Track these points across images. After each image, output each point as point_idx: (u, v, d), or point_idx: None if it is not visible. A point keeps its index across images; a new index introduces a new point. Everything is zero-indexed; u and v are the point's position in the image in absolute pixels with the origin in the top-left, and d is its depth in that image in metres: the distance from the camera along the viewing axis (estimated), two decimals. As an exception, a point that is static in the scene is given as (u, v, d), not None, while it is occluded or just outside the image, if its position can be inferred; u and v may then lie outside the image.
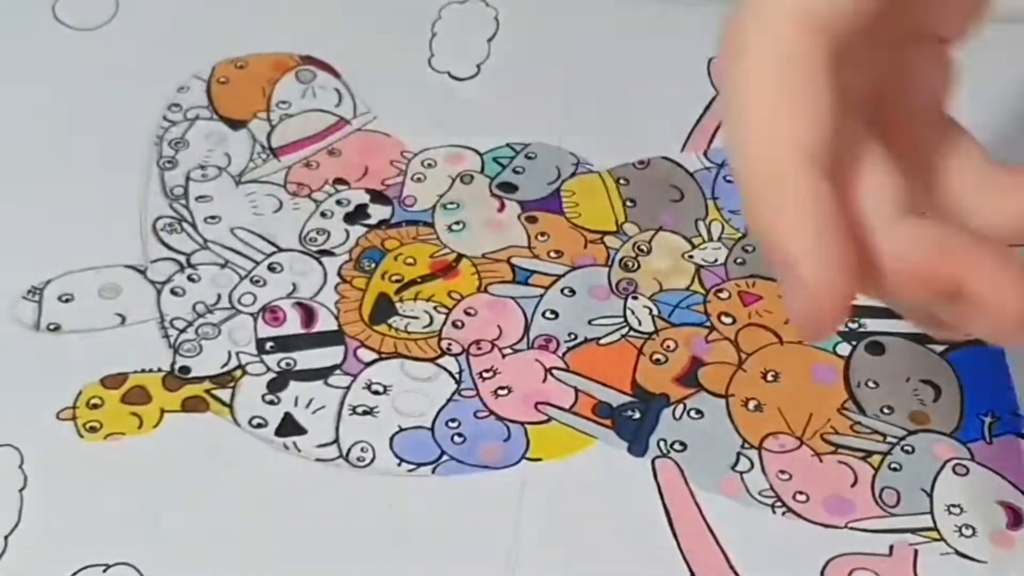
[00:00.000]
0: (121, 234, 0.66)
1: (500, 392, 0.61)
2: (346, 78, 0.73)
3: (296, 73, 0.73)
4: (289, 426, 0.60)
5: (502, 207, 0.66)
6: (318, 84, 0.73)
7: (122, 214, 0.67)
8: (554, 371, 0.60)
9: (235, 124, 0.71)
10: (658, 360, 0.61)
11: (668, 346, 0.62)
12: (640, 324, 0.62)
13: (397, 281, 0.64)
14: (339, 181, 0.68)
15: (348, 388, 0.61)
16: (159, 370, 0.61)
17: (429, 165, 0.69)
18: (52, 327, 0.63)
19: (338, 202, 0.67)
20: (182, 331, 0.63)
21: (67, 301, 0.64)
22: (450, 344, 0.62)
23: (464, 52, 0.73)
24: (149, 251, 0.66)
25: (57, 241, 0.66)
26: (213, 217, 0.67)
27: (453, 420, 0.60)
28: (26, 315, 0.63)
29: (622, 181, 0.67)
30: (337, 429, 0.60)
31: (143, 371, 0.61)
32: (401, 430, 0.60)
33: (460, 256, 0.65)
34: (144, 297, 0.64)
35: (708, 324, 0.62)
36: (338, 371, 0.61)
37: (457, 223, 0.66)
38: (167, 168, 0.69)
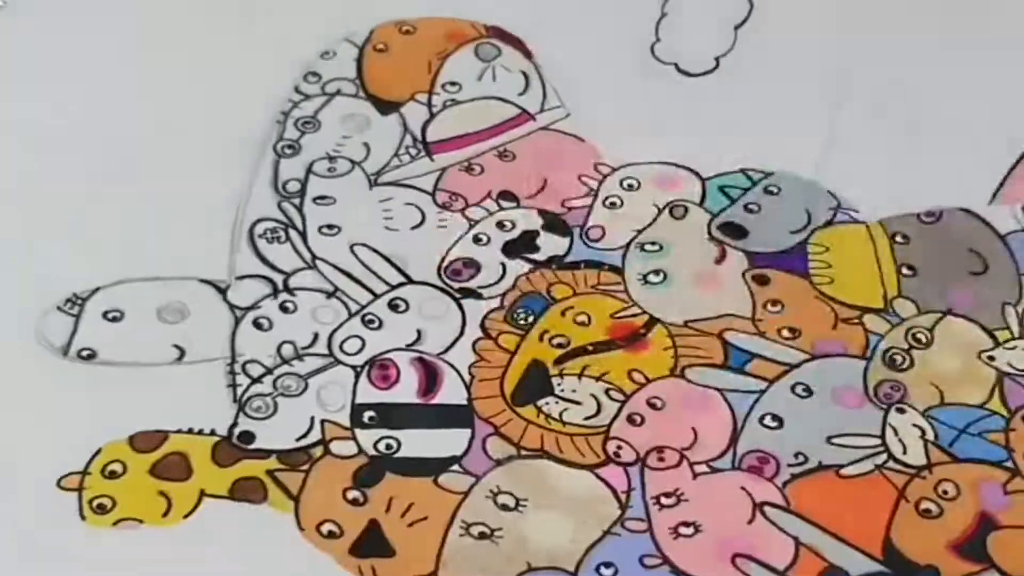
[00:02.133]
0: (205, 235, 0.55)
1: (683, 530, 0.48)
2: (539, 59, 0.62)
3: (476, 47, 0.63)
4: (373, 543, 0.47)
5: (722, 257, 0.56)
6: (502, 63, 0.62)
7: (213, 209, 0.56)
8: (767, 508, 0.49)
9: (385, 106, 0.60)
10: (928, 512, 0.49)
11: (945, 491, 0.50)
12: (905, 452, 0.51)
13: (560, 346, 0.52)
14: (505, 195, 0.57)
15: (466, 494, 0.48)
16: (212, 433, 0.49)
17: (630, 187, 0.58)
18: (85, 354, 0.51)
19: (500, 224, 0.56)
20: (256, 380, 0.51)
21: (114, 320, 0.52)
22: (621, 447, 0.50)
23: (701, 40, 0.63)
24: (237, 263, 0.54)
25: (119, 234, 0.55)
26: (331, 227, 0.56)
27: (607, 565, 0.48)
28: (55, 332, 0.52)
29: (899, 238, 0.57)
30: (439, 557, 0.47)
31: (190, 431, 0.49)
32: (530, 570, 0.47)
33: (653, 320, 0.54)
34: (216, 326, 0.53)
35: (1010, 464, 0.51)
36: (456, 467, 0.49)
37: (656, 273, 0.55)
38: (285, 154, 0.58)
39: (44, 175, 0.56)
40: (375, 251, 0.55)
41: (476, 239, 0.55)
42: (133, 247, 0.54)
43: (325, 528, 0.47)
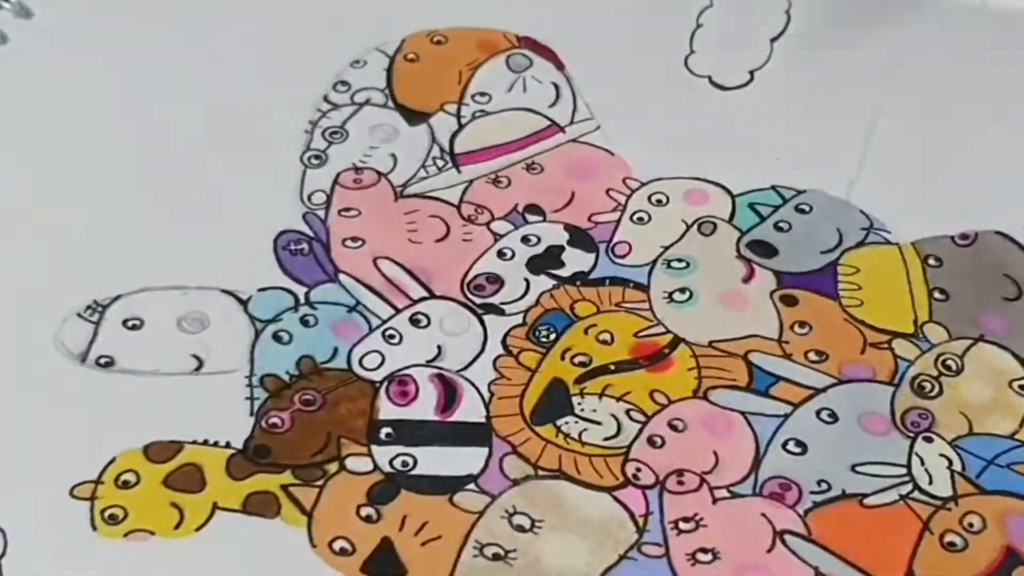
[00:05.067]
0: (229, 246, 0.53)
1: (701, 557, 0.46)
2: (571, 71, 0.60)
3: (508, 57, 0.61)
4: (385, 561, 0.45)
5: (750, 276, 0.54)
6: (533, 74, 0.60)
7: (237, 220, 0.54)
8: (788, 536, 0.46)
9: (414, 116, 0.58)
10: (953, 544, 0.46)
11: (971, 524, 0.47)
12: (931, 483, 0.48)
13: (582, 364, 0.50)
14: (532, 209, 0.55)
15: (481, 514, 0.46)
16: (228, 446, 0.47)
17: (659, 202, 0.56)
18: (103, 361, 0.49)
19: (525, 239, 0.54)
20: (273, 394, 0.49)
21: (133, 328, 0.50)
22: (640, 469, 0.47)
23: (736, 52, 0.61)
24: (260, 275, 0.52)
25: (143, 244, 0.53)
26: (355, 240, 0.54)
27: (623, 590, 0.45)
28: (74, 339, 0.50)
29: (932, 261, 0.55)
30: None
31: (205, 443, 0.47)
32: (543, 593, 0.44)
33: (677, 340, 0.51)
34: (236, 337, 0.51)
35: (1039, 497, 0.48)
36: (472, 486, 0.47)
37: (682, 291, 0.53)
38: (312, 165, 0.56)
39: (66, 180, 0.54)
40: (399, 264, 0.52)
41: (500, 254, 0.53)
42: (156, 255, 0.52)
43: (337, 545, 0.45)
